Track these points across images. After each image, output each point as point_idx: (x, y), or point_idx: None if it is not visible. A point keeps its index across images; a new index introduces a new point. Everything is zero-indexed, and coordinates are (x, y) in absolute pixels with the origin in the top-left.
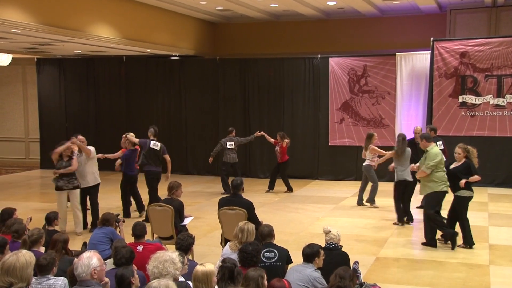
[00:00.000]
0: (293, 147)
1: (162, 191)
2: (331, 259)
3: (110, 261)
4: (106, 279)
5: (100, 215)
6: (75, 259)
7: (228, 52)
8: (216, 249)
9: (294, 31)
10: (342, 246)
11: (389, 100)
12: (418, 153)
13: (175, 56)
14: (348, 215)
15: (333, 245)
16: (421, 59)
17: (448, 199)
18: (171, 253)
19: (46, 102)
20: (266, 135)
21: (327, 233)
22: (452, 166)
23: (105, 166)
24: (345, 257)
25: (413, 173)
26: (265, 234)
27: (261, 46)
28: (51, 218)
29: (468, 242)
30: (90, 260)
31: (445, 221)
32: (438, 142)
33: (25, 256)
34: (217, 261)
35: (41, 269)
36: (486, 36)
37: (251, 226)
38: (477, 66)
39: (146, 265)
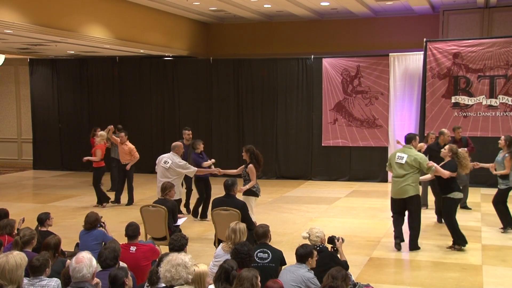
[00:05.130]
0: (286, 148)
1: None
2: (319, 261)
3: None
4: (97, 280)
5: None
6: (68, 260)
7: (221, 53)
8: (209, 249)
9: (287, 31)
10: (327, 247)
11: (383, 101)
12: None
13: (169, 56)
14: (341, 215)
15: (318, 247)
16: (414, 60)
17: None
18: (183, 257)
19: (39, 102)
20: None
21: (306, 238)
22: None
23: None
24: (332, 257)
25: None
26: (260, 234)
27: (254, 46)
28: (43, 219)
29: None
30: (92, 261)
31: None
32: None
33: (15, 258)
34: (211, 261)
35: (34, 271)
36: (478, 37)
37: (242, 225)
38: (470, 66)
39: (159, 268)
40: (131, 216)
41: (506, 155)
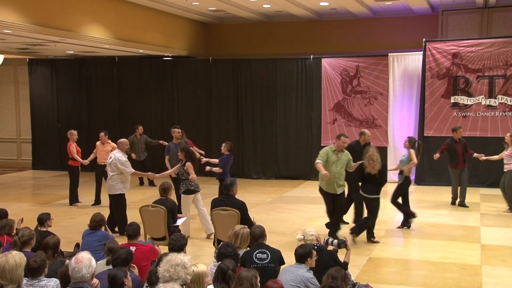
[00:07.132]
0: (286, 148)
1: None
2: (319, 260)
3: (100, 263)
4: (96, 280)
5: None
6: (67, 260)
7: (220, 53)
8: (208, 249)
9: (286, 31)
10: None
11: (382, 101)
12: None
13: (168, 56)
14: None
15: (316, 247)
16: (413, 60)
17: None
18: (182, 257)
19: (38, 102)
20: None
21: (302, 240)
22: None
23: None
24: (332, 256)
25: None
26: (257, 235)
27: (253, 46)
28: (43, 219)
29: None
30: (91, 261)
31: None
32: None
33: (15, 258)
34: (211, 262)
35: (33, 273)
36: (478, 37)
37: (246, 231)
38: (469, 66)
39: (158, 267)
40: (130, 216)
41: (411, 150)
